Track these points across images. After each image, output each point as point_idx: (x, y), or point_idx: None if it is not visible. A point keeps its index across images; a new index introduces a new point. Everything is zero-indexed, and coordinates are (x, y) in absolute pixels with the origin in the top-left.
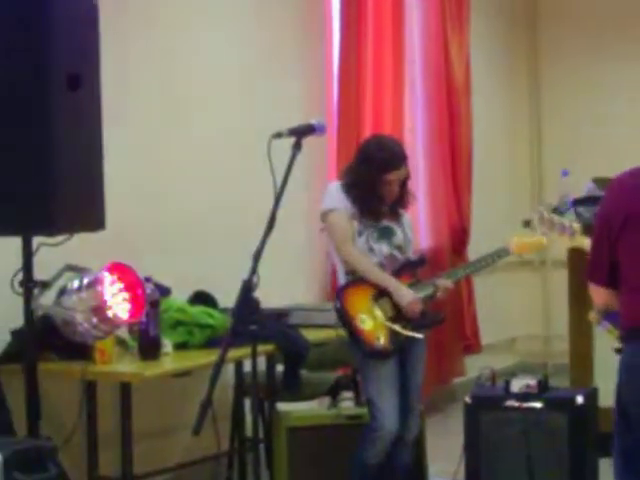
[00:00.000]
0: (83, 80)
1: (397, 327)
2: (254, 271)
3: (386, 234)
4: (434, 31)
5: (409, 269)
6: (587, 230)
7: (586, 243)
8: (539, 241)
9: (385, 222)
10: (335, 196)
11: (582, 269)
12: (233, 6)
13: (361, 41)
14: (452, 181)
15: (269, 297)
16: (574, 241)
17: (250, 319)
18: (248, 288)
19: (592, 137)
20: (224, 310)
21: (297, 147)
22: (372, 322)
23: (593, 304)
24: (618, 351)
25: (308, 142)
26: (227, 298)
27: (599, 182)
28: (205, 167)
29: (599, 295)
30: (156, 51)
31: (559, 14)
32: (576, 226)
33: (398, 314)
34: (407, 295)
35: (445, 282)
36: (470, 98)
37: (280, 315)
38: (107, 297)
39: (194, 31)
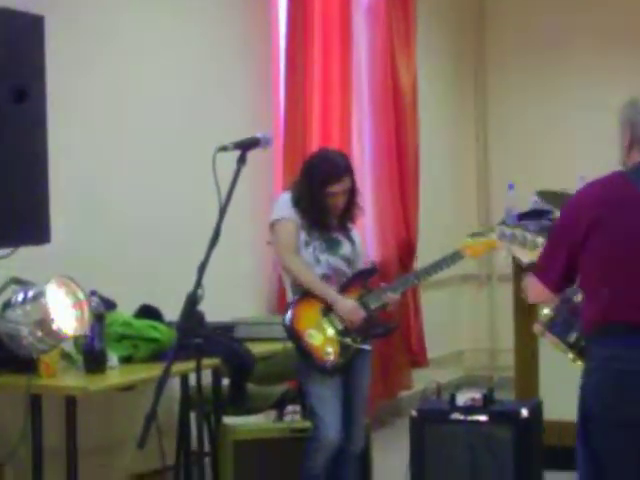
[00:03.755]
0: (29, 93)
1: (347, 340)
2: (199, 284)
3: (333, 246)
4: (381, 45)
5: (360, 280)
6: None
7: None
8: (490, 242)
9: (333, 234)
10: (284, 207)
11: None
12: (180, 21)
13: (308, 54)
14: (399, 194)
15: (215, 310)
16: (534, 254)
17: (195, 332)
18: (193, 301)
19: (537, 151)
20: (170, 324)
21: (242, 160)
22: (322, 337)
23: (529, 296)
24: (575, 360)
25: (255, 155)
26: (173, 312)
27: (544, 195)
28: (151, 180)
29: (538, 292)
30: (101, 65)
31: (506, 29)
32: (539, 240)
33: (347, 327)
34: (346, 305)
35: (392, 297)
36: (417, 111)
37: (226, 328)
38: (52, 310)
39: (141, 46)
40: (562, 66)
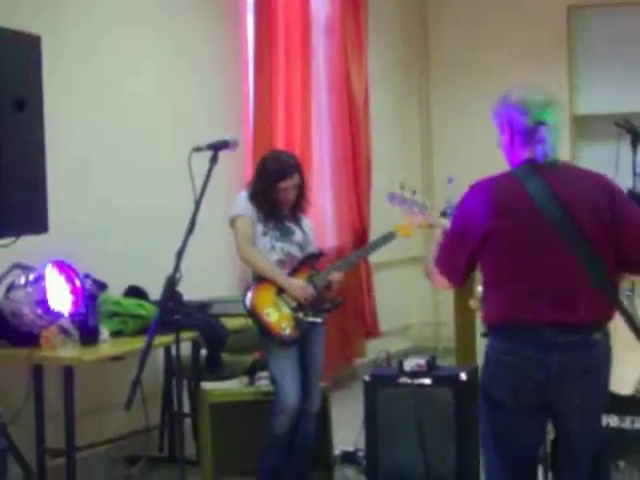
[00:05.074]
0: (28, 102)
1: (300, 315)
2: (177, 268)
3: (287, 234)
4: (337, 59)
5: (308, 262)
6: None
7: (444, 223)
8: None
9: (286, 224)
10: (241, 204)
11: None
12: (163, 39)
13: (273, 69)
14: (354, 189)
15: (195, 290)
16: (428, 219)
17: (175, 310)
18: (172, 283)
19: (475, 147)
20: (155, 302)
21: (214, 159)
22: (277, 314)
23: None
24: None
25: (229, 156)
26: (158, 291)
27: None
28: (137, 177)
29: (444, 284)
30: (94, 77)
31: (446, 41)
32: (428, 202)
33: (300, 304)
34: (295, 285)
35: (336, 276)
36: (369, 113)
37: (203, 306)
38: (50, 291)
39: (125, 61)
40: (495, 73)
